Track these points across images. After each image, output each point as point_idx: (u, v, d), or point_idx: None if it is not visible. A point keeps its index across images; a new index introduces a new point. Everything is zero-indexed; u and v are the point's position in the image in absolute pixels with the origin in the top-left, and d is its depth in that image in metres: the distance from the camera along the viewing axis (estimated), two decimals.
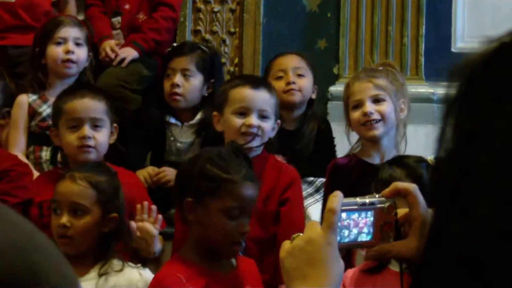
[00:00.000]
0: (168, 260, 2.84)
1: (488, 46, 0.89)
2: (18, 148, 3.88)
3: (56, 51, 3.92)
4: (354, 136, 3.54)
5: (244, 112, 3.34)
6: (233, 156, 2.67)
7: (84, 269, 2.84)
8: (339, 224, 1.43)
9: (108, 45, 4.23)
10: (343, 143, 3.70)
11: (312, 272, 1.36)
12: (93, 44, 4.19)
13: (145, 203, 3.26)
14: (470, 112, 0.88)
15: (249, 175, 2.67)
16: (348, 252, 2.98)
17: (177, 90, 3.91)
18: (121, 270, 2.87)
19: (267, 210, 3.29)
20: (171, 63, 3.99)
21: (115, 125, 3.45)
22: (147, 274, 2.90)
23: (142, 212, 3.23)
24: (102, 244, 2.88)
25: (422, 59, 4.64)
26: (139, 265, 2.94)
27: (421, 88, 4.57)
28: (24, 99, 3.93)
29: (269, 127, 3.36)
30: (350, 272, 2.79)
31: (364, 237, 1.50)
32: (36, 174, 3.63)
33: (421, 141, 4.07)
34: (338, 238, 1.40)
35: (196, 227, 2.65)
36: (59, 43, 3.93)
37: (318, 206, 3.65)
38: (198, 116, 3.96)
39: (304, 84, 3.98)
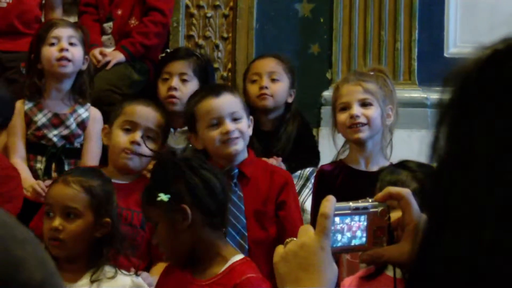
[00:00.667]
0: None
1: (481, 52, 0.90)
2: (18, 155, 3.81)
3: (50, 51, 3.83)
4: (341, 139, 3.54)
5: (217, 123, 3.33)
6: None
7: (76, 275, 2.83)
8: (332, 228, 1.43)
9: (98, 50, 4.22)
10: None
11: (305, 277, 1.36)
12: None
13: None
14: (464, 118, 0.89)
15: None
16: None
17: (175, 93, 3.90)
18: (113, 277, 2.85)
19: (266, 211, 3.33)
20: (167, 67, 3.98)
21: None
22: (140, 281, 2.90)
23: None
24: (94, 250, 2.87)
25: (415, 64, 4.65)
26: (132, 272, 2.94)
27: (414, 93, 4.58)
28: (20, 106, 3.85)
29: (245, 126, 3.36)
30: (348, 280, 2.80)
31: (357, 241, 1.50)
32: (31, 179, 3.62)
33: (415, 146, 4.07)
34: (331, 242, 1.41)
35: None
36: (52, 44, 3.84)
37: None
38: None
39: (277, 89, 3.97)
